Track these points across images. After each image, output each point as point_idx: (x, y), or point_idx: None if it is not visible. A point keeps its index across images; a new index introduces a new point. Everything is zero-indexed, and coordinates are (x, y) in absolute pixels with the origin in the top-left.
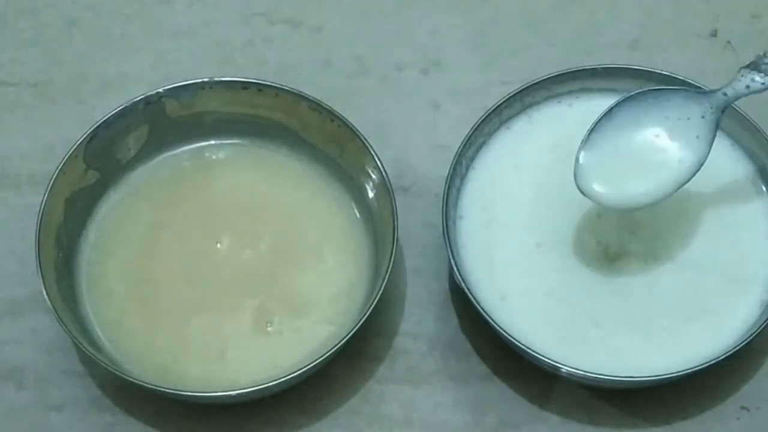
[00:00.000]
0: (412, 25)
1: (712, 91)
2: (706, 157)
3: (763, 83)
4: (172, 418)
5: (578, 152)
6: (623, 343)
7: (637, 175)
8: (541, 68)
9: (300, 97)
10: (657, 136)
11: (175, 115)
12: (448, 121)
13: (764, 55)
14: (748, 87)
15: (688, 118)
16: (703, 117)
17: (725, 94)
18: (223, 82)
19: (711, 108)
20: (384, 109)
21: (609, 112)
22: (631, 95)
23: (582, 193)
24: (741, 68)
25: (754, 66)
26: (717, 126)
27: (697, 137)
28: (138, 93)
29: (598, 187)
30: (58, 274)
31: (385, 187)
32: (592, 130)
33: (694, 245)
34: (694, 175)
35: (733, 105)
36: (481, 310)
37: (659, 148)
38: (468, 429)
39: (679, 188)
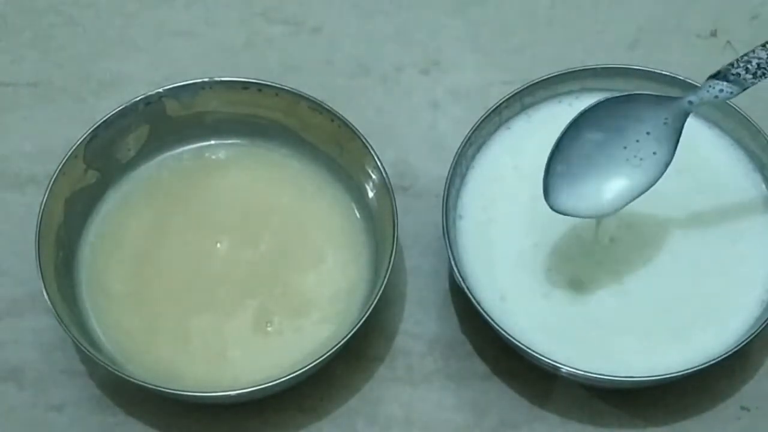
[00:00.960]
0: (412, 25)
1: (678, 98)
2: (669, 164)
3: (731, 92)
4: (172, 418)
5: (545, 167)
6: (623, 343)
7: (602, 186)
8: (541, 68)
9: (300, 97)
10: (620, 148)
11: (175, 115)
12: (448, 121)
13: (731, 65)
14: (716, 97)
15: (648, 133)
16: (665, 123)
17: (690, 102)
18: (223, 82)
19: (675, 113)
20: (384, 109)
21: (573, 124)
22: (594, 104)
23: (551, 208)
24: (708, 78)
25: (722, 76)
26: (681, 130)
27: (654, 153)
28: (138, 93)
29: (565, 202)
30: (58, 274)
31: (385, 187)
32: (557, 145)
33: (694, 245)
34: (657, 180)
35: (733, 105)
36: (481, 310)
37: (622, 159)
38: (468, 429)
39: (645, 192)
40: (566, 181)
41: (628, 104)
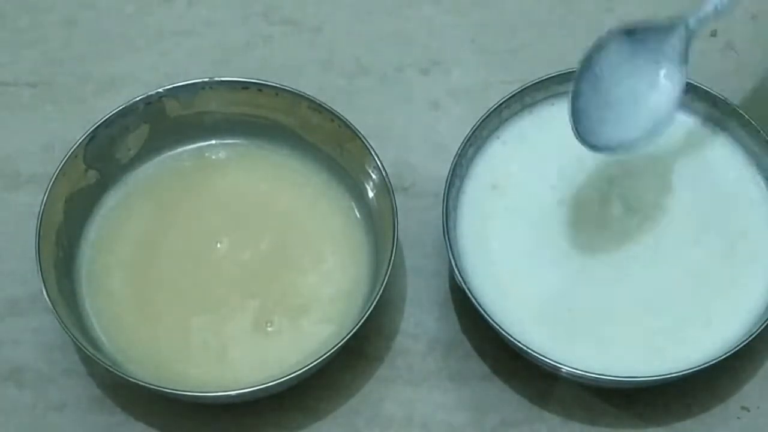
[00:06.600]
0: (412, 25)
1: (677, 22)
2: (682, 89)
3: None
4: (172, 418)
5: (569, 104)
6: (624, 343)
7: (622, 122)
8: (541, 68)
9: (300, 97)
10: (633, 83)
11: (175, 115)
12: (448, 121)
13: None
14: (716, 9)
15: (657, 62)
16: (672, 50)
17: (689, 26)
18: (223, 82)
19: (680, 40)
20: (384, 109)
21: (587, 63)
22: (604, 41)
23: (583, 143)
24: None
25: None
26: (687, 53)
27: (665, 78)
28: (138, 93)
29: (591, 138)
30: (58, 274)
31: (385, 187)
32: (576, 84)
33: (695, 246)
34: (677, 101)
35: (732, 104)
36: (481, 310)
37: (637, 94)
38: (468, 429)
39: (665, 128)
40: (592, 116)
41: (632, 40)
